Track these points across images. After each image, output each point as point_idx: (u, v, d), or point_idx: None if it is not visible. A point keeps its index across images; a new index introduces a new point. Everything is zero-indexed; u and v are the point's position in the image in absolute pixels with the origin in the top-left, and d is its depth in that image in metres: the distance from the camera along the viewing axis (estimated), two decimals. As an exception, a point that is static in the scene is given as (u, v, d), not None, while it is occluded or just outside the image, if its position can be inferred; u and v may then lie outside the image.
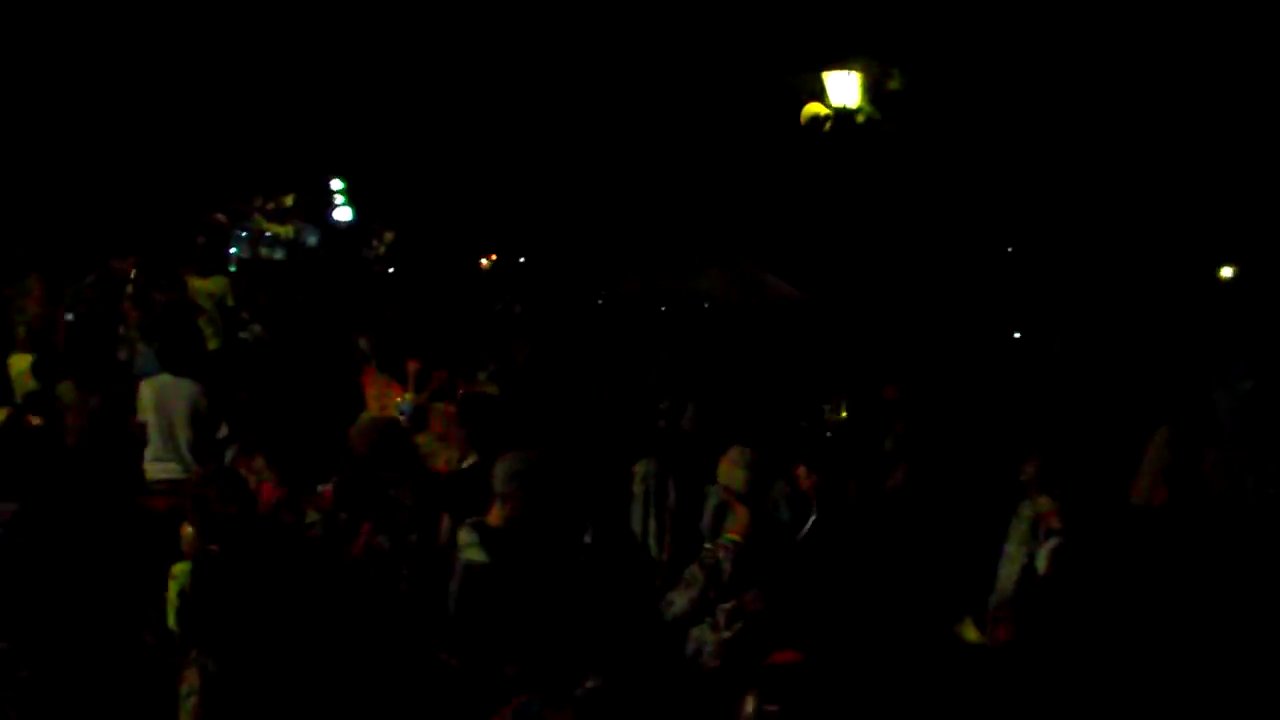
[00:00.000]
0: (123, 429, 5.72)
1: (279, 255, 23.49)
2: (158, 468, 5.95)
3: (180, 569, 3.75)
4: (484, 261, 28.07)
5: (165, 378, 6.04)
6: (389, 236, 28.52)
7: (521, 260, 26.90)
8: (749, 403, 7.96)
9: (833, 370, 10.07)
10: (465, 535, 3.72)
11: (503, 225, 25.24)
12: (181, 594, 3.72)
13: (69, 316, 7.78)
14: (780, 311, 14.45)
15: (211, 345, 8.56)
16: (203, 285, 9.14)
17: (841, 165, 13.88)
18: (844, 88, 11.60)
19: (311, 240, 25.13)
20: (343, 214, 25.06)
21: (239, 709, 3.73)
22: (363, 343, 7.14)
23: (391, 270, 24.48)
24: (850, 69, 11.61)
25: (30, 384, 6.34)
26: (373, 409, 6.43)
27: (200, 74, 17.56)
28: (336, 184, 24.16)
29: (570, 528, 4.67)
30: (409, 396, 6.32)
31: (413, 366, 6.43)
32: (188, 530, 3.78)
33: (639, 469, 5.93)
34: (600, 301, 16.91)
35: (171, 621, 3.77)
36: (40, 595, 3.84)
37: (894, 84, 12.56)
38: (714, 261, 14.21)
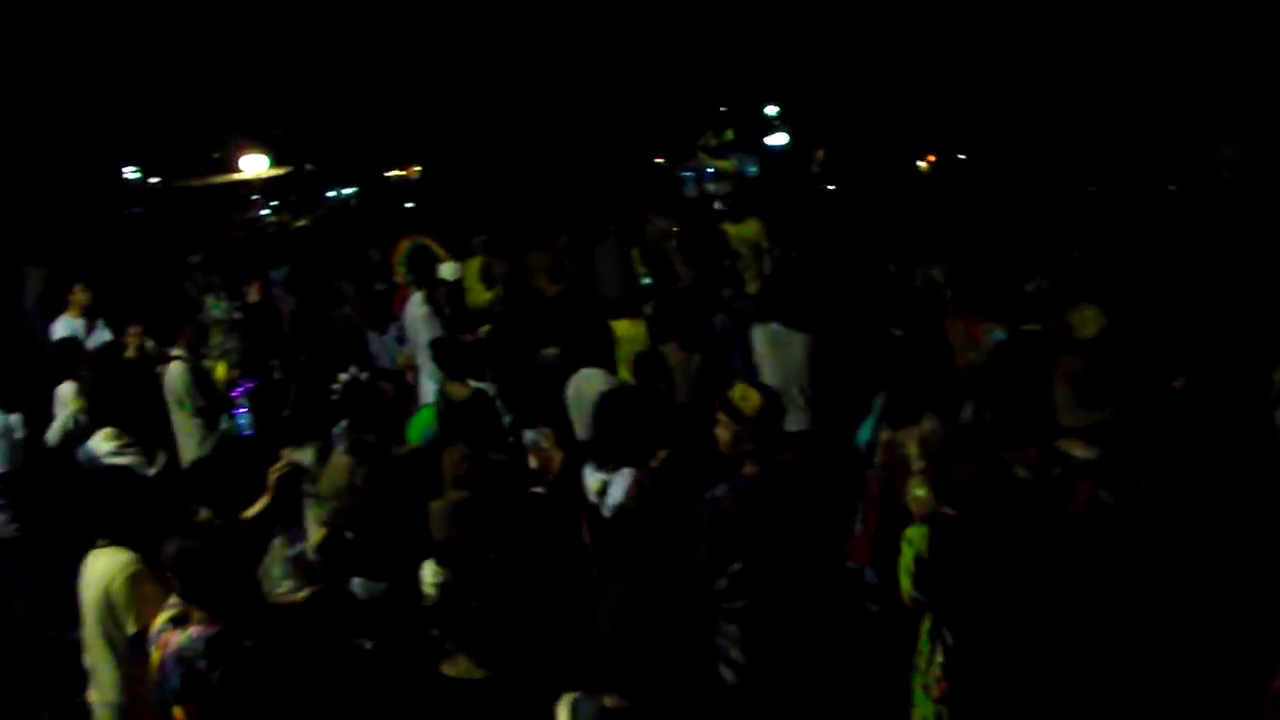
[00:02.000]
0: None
1: (724, 189, 23.98)
2: (777, 418, 6.18)
3: (915, 532, 3.67)
4: (922, 164, 26.95)
5: (776, 326, 6.19)
6: (820, 154, 28.17)
7: (963, 158, 25.44)
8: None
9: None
10: None
11: (939, 122, 23.98)
12: (918, 559, 3.65)
13: (645, 281, 8.24)
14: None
15: (750, 289, 8.79)
16: (738, 230, 9.41)
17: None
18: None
19: (752, 170, 25.43)
20: (778, 139, 25.15)
21: (983, 681, 3.63)
22: (936, 271, 6.90)
23: (832, 188, 24.19)
24: None
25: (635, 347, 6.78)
26: (958, 347, 6.18)
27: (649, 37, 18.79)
28: (771, 110, 24.19)
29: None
30: (1000, 329, 6.00)
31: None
32: (918, 491, 3.69)
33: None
34: (1073, 191, 15.45)
35: (906, 586, 3.72)
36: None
37: None
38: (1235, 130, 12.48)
